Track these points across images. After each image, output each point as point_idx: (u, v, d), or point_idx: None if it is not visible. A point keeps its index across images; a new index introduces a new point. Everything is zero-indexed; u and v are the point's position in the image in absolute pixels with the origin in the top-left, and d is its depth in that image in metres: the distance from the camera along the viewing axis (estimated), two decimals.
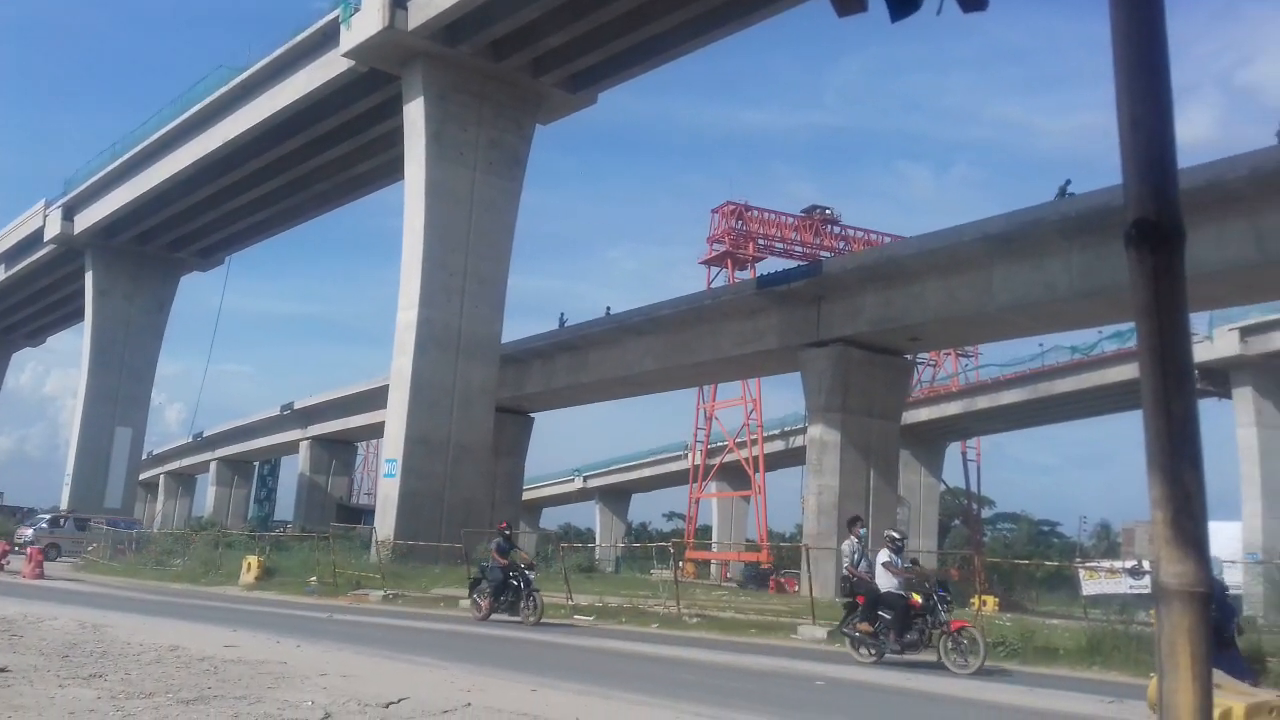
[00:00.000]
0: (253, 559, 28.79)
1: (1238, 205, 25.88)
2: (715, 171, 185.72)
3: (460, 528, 29.79)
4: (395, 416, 34.48)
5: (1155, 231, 2.62)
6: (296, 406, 69.03)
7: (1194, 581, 2.50)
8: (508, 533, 20.04)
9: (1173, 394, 2.57)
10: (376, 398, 45.33)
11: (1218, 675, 12.64)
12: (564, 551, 29.42)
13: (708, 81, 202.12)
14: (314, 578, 26.93)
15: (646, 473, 77.00)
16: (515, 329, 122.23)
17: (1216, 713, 11.29)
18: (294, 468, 71.93)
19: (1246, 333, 41.57)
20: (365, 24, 33.85)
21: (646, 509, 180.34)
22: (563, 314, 47.17)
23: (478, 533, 29.14)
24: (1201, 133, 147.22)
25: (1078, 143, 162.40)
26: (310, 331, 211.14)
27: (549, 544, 39.16)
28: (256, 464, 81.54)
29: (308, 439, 68.63)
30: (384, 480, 34.98)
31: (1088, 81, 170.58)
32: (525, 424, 47.84)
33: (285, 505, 74.12)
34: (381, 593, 25.03)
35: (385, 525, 32.95)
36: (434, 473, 33.91)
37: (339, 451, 70.47)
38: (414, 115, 34.81)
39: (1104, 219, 27.48)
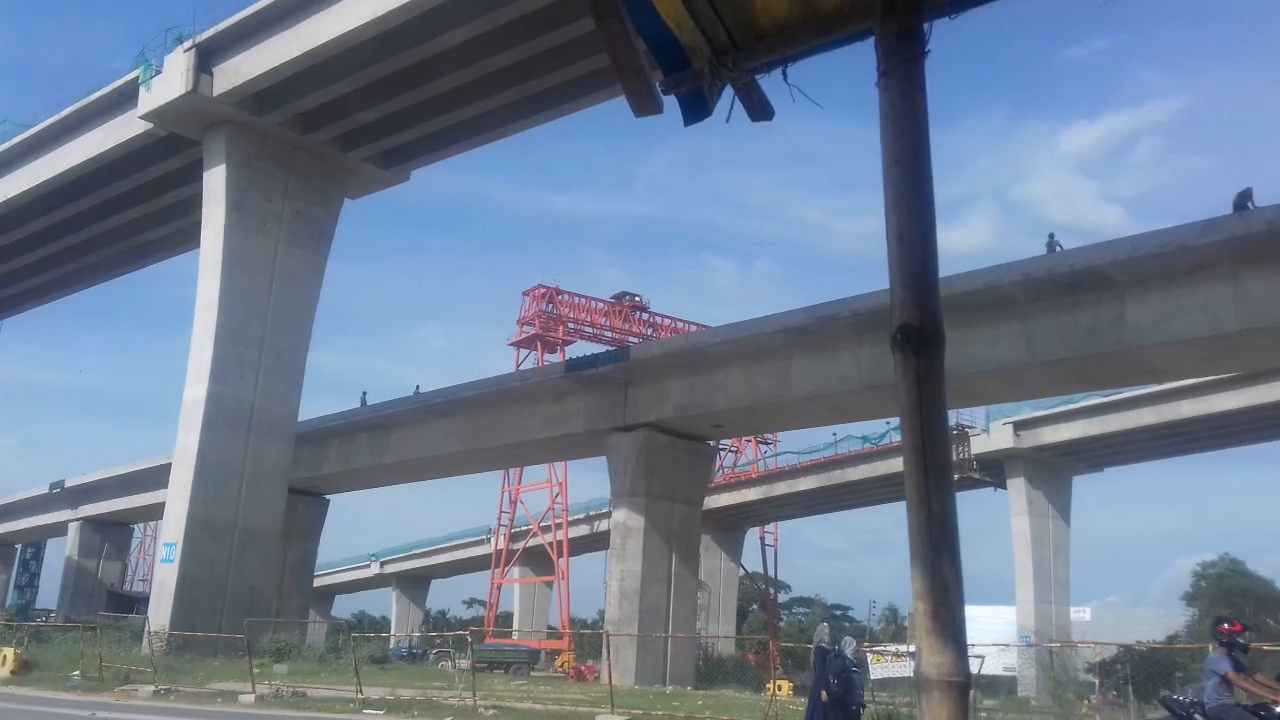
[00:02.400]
0: (9, 651, 26.26)
1: (1011, 309, 27.96)
2: (527, 253, 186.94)
3: (244, 617, 28.09)
4: (177, 497, 32.47)
5: (918, 336, 2.80)
6: (68, 485, 63.93)
7: (952, 671, 2.61)
8: None
9: (933, 490, 2.72)
10: (158, 476, 42.63)
11: None
12: (355, 641, 28.15)
13: (523, 164, 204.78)
14: (77, 672, 24.75)
15: (447, 558, 75.10)
16: (315, 407, 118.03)
17: None
18: (61, 551, 66.38)
19: (1019, 427, 44.65)
20: (166, 87, 32.61)
21: (446, 595, 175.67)
22: (365, 392, 45.91)
23: (262, 622, 27.57)
24: (980, 241, 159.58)
25: (868, 246, 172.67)
26: (87, 404, 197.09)
27: (339, 633, 37.40)
28: (19, 547, 74.81)
29: (78, 520, 63.54)
30: (161, 565, 32.73)
31: (877, 188, 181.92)
32: (320, 506, 45.93)
33: (50, 592, 68.24)
34: (152, 688, 23.21)
35: (160, 614, 30.73)
36: (217, 557, 31.99)
37: (112, 534, 65.48)
38: (214, 182, 33.58)
39: (889, 317, 29.22)
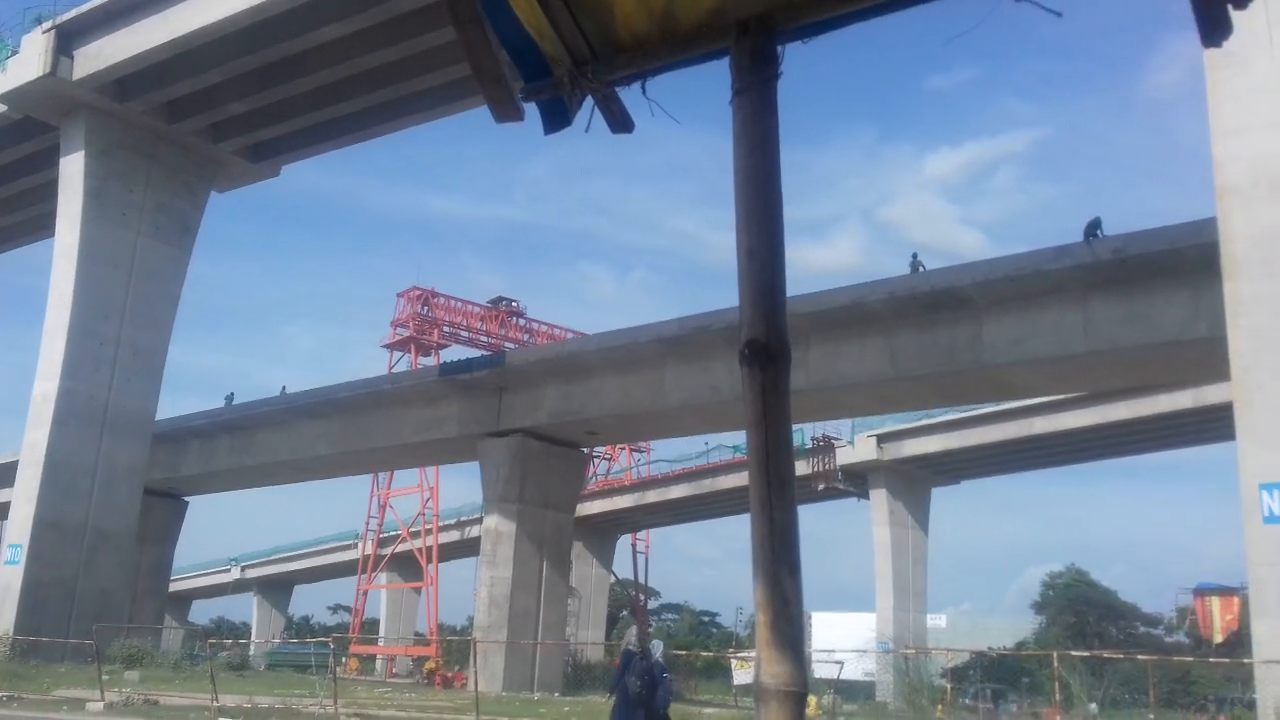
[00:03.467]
0: None
1: (876, 325, 28.83)
2: (403, 255, 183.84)
3: (94, 622, 26.86)
4: (23, 497, 30.85)
5: (765, 352, 2.86)
6: None
7: (790, 682, 2.67)
8: None
9: (776, 502, 2.78)
10: (3, 475, 40.37)
11: None
12: (211, 648, 27.18)
13: (401, 163, 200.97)
14: None
15: (312, 562, 73.14)
16: (177, 406, 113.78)
17: None
18: None
19: (882, 440, 46.00)
20: (23, 69, 31.06)
21: (310, 601, 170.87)
22: (231, 393, 44.35)
23: (114, 627, 26.43)
24: (847, 259, 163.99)
25: None
26: None
27: (195, 640, 36.04)
28: None
29: None
30: (4, 568, 31.03)
31: None
32: (178, 508, 44.21)
33: None
34: None
35: (3, 619, 29.23)
36: (66, 560, 30.53)
37: None
38: (71, 170, 32.07)
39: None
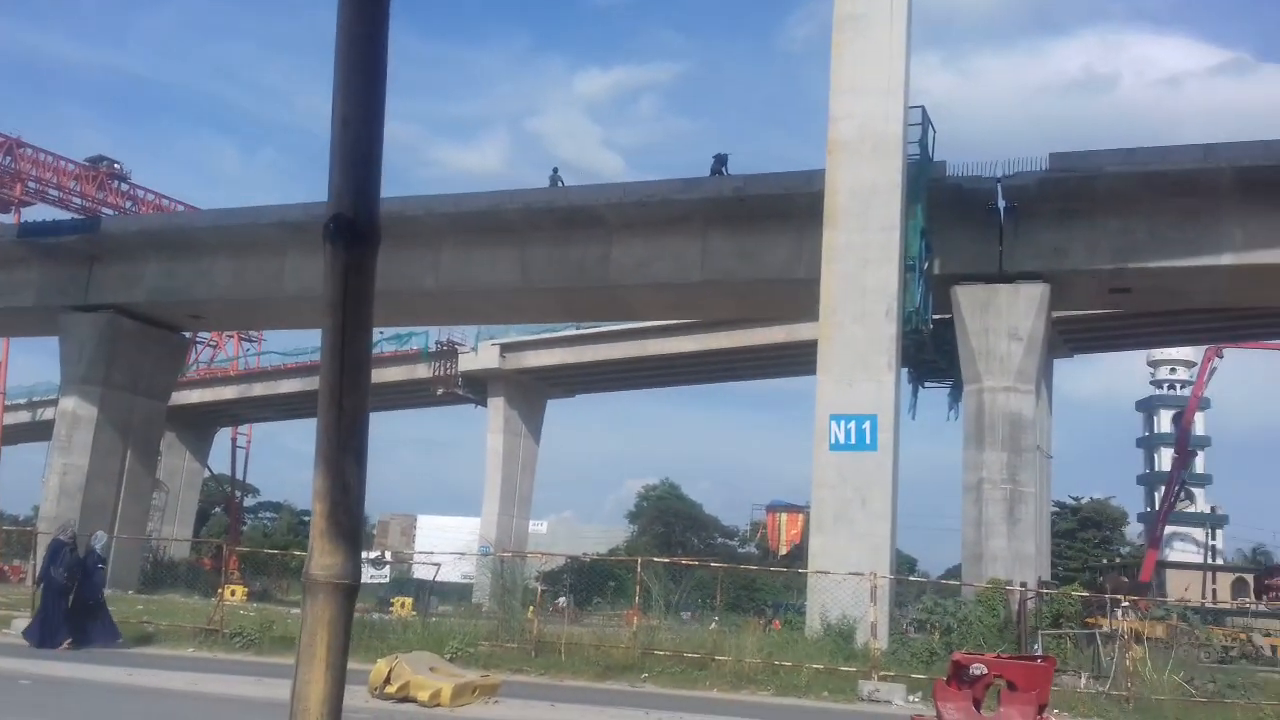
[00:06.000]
0: None
1: (512, 235, 28.98)
2: None
3: None
4: None
5: (351, 229, 2.63)
6: None
7: (341, 574, 2.51)
8: None
9: (348, 389, 2.58)
10: None
11: (430, 659, 13.81)
12: None
13: None
14: None
15: None
16: None
17: (427, 693, 12.31)
18: None
19: (505, 349, 46.63)
20: None
21: None
22: None
23: None
24: (490, 165, 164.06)
25: (385, 150, 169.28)
26: None
27: None
28: None
29: None
30: None
31: (400, 88, 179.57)
32: None
33: None
34: None
35: None
36: None
37: None
38: None
39: (390, 226, 29.11)
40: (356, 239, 2.70)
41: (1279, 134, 33.65)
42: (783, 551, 41.52)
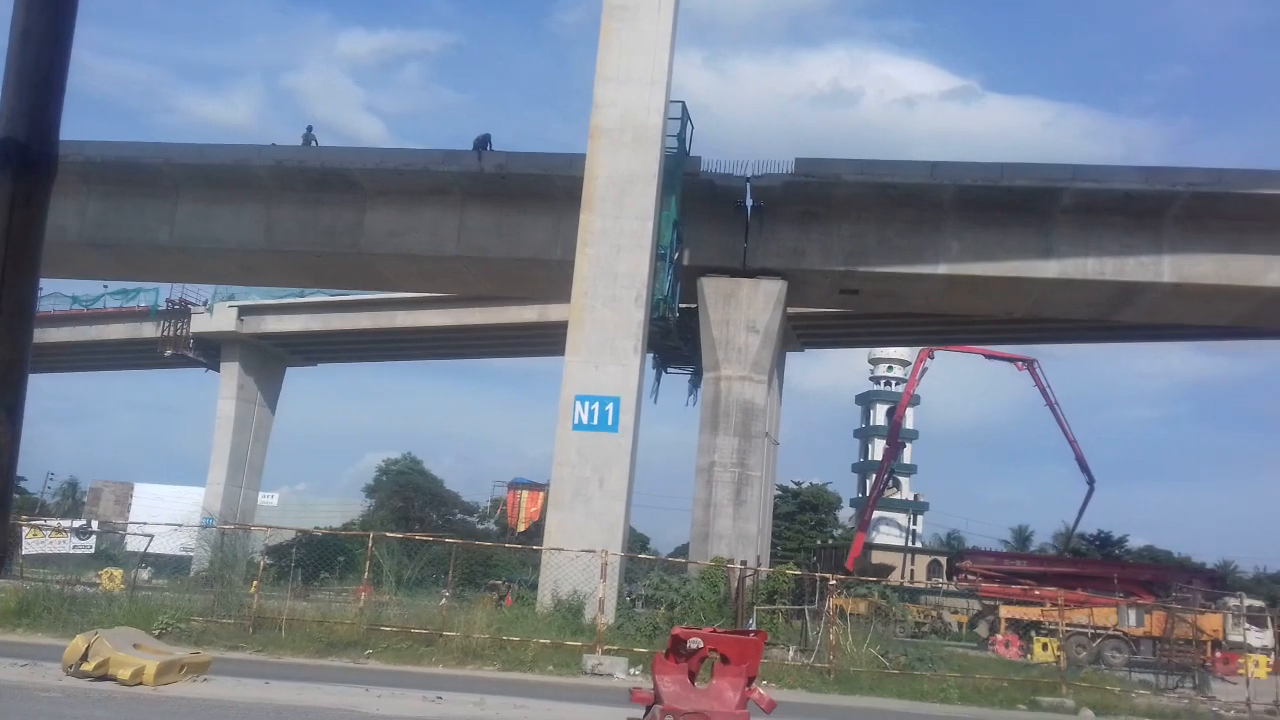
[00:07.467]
0: None
1: (257, 193, 27.53)
2: None
3: None
4: None
5: (24, 155, 2.39)
6: None
7: None
8: None
9: (3, 335, 2.35)
10: None
11: (135, 635, 12.95)
12: None
13: None
14: None
15: None
16: None
17: (128, 671, 11.53)
18: None
19: (244, 312, 44.23)
20: None
21: None
22: None
23: None
24: (240, 118, 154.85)
25: (114, 87, 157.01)
26: None
27: None
28: None
29: None
30: None
31: (130, 25, 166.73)
32: None
33: None
34: None
35: None
36: None
37: None
38: None
39: (121, 173, 27.09)
40: (28, 167, 2.45)
41: (998, 158, 36.87)
42: (521, 528, 41.69)
